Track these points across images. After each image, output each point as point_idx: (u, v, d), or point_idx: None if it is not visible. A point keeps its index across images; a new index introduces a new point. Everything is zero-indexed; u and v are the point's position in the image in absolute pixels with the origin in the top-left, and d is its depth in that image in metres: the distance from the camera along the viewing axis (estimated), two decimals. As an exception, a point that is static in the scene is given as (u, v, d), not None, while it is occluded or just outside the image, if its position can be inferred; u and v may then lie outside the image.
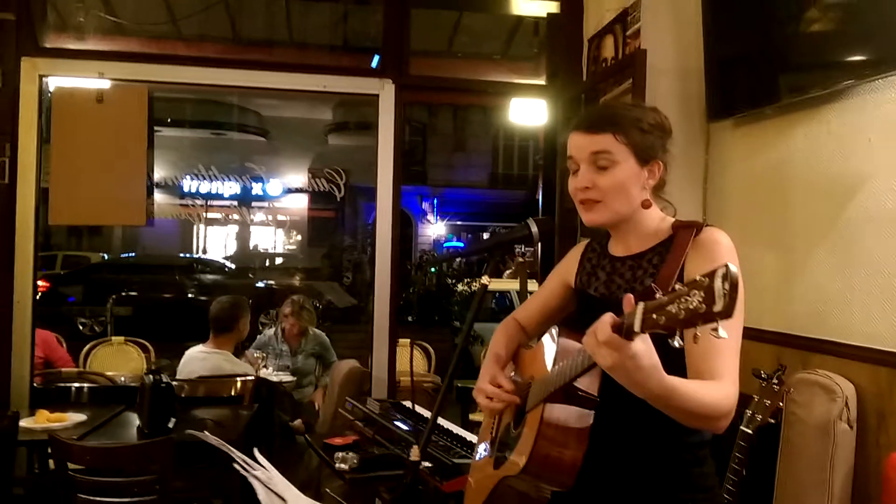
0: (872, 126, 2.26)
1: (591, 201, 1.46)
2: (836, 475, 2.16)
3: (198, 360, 3.77)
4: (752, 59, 2.69)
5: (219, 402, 3.44)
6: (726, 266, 0.94)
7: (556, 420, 1.43)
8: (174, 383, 3.15)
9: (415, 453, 1.43)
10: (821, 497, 2.17)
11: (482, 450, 1.80)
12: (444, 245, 17.16)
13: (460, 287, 8.75)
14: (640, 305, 1.08)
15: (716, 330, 0.96)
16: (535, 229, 1.48)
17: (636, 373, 1.15)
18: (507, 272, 13.18)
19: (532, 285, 9.22)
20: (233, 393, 3.52)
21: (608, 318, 1.14)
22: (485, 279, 1.48)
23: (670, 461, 1.45)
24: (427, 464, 2.26)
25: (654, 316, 1.04)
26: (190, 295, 9.30)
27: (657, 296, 1.06)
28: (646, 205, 1.49)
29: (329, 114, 11.21)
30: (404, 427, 2.62)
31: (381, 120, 3.68)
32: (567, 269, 1.69)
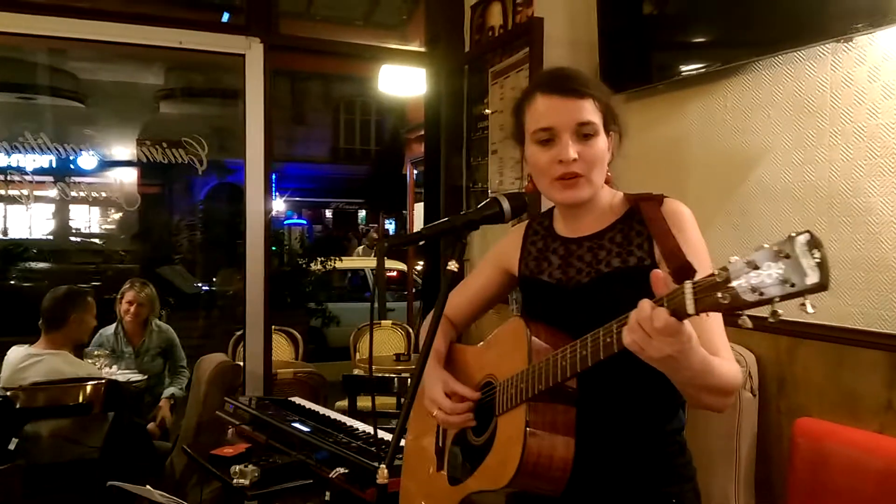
0: (771, 102, 2.32)
1: (576, 176, 1.30)
2: (742, 442, 2.20)
3: (29, 363, 3.19)
4: (645, 33, 2.67)
5: (65, 413, 2.93)
6: (808, 232, 0.83)
7: (543, 422, 1.27)
8: (7, 393, 2.62)
9: (382, 475, 1.20)
10: (729, 464, 2.20)
11: (414, 457, 1.61)
12: (284, 223, 16.45)
13: (314, 266, 8.37)
14: (688, 285, 0.96)
15: (804, 305, 0.85)
16: (506, 206, 1.29)
17: (689, 356, 1.03)
18: (359, 249, 12.92)
19: (394, 263, 9.07)
20: (80, 400, 3.01)
21: (648, 304, 1.00)
22: (452, 265, 1.27)
23: (654, 453, 1.36)
24: (342, 470, 2.02)
25: (719, 295, 0.91)
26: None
27: (709, 274, 0.93)
28: (608, 179, 1.37)
29: (161, 78, 10.17)
30: (303, 428, 2.35)
31: (249, 84, 3.29)
32: (505, 255, 1.53)
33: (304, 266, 8.38)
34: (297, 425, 2.38)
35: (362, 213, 19.44)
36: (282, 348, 4.67)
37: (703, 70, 2.49)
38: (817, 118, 2.17)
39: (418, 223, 5.30)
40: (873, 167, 1.99)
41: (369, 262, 9.23)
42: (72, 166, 4.83)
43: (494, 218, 1.31)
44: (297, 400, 2.80)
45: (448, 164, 3.57)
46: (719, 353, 1.21)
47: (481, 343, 1.54)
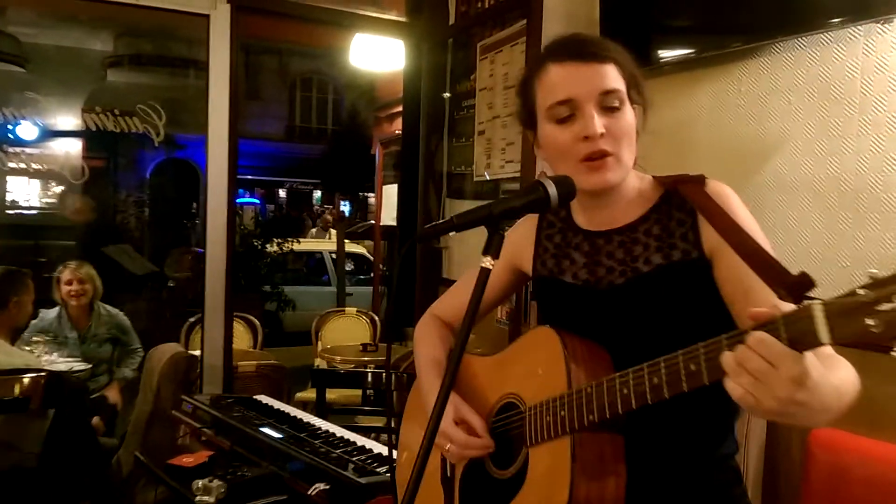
0: (792, 87, 2.15)
1: (605, 155, 1.10)
2: (751, 448, 2.10)
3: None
4: (651, 8, 2.47)
5: (-1, 410, 2.61)
6: None
7: (591, 456, 1.06)
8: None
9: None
10: (737, 471, 2.09)
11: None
12: (237, 201, 15.89)
13: (270, 248, 8.02)
14: (819, 307, 0.74)
15: None
16: (553, 191, 1.06)
17: (821, 395, 0.82)
18: (313, 230, 12.53)
19: (353, 247, 8.78)
20: (17, 394, 2.69)
21: (765, 336, 0.79)
22: (487, 261, 1.04)
23: (709, 482, 1.17)
24: (322, 486, 1.78)
25: (869, 322, 0.70)
26: None
27: (847, 292, 0.72)
28: (636, 161, 1.17)
29: (109, 44, 9.56)
30: (275, 434, 2.10)
31: (214, 48, 2.98)
32: (516, 250, 1.32)
33: (258, 247, 8.03)
34: (267, 430, 2.12)
35: (317, 194, 19.00)
36: (239, 336, 4.37)
37: (716, 52, 2.31)
38: (845, 106, 2.01)
39: (389, 206, 5.04)
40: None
41: (328, 245, 8.90)
42: (10, 135, 4.43)
43: (538, 205, 1.07)
44: (264, 398, 2.53)
45: (428, 145, 3.33)
46: None
47: (495, 355, 1.33)
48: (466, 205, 3.25)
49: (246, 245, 7.92)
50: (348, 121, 14.54)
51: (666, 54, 2.46)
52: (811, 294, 0.84)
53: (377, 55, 4.11)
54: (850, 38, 1.99)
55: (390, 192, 5.01)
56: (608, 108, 1.10)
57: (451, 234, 1.11)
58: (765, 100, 2.23)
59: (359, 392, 4.01)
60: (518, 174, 2.73)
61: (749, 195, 2.24)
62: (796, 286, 0.86)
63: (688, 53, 2.38)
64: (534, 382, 1.17)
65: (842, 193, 1.99)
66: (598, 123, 1.08)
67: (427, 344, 1.42)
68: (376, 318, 4.93)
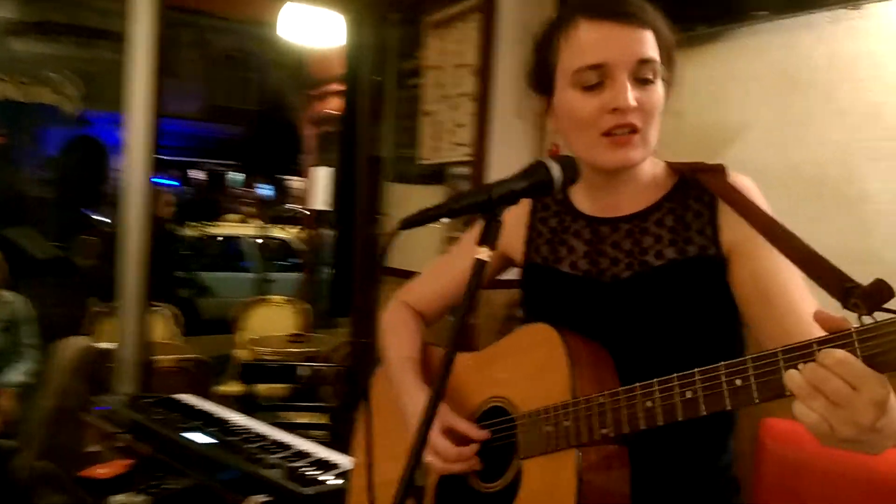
0: (753, 74, 2.10)
1: (633, 130, 0.98)
2: None
3: None
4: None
5: None
6: None
7: (598, 469, 0.95)
8: None
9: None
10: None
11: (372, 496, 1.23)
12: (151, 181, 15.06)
13: (189, 232, 7.59)
14: None
15: None
16: (556, 173, 0.92)
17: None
18: (235, 217, 12.01)
19: (277, 232, 8.42)
20: None
21: (846, 355, 0.67)
22: (483, 252, 0.89)
23: (709, 496, 1.06)
24: (261, 498, 1.59)
25: None
26: None
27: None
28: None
29: (12, 11, 8.74)
30: (203, 439, 1.88)
31: (135, 18, 2.70)
32: (503, 235, 1.17)
33: (174, 232, 7.58)
34: (194, 435, 1.90)
35: (237, 177, 18.32)
36: (162, 328, 4.06)
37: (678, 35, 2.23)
38: (808, 94, 1.96)
39: (319, 190, 4.80)
40: (872, 150, 1.81)
41: (247, 229, 8.53)
42: None
43: (540, 188, 0.93)
44: (188, 398, 2.30)
45: (369, 126, 3.14)
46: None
47: (478, 352, 1.18)
48: (409, 190, 3.08)
49: (160, 229, 7.47)
50: (272, 100, 14.00)
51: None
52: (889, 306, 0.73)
53: (309, 29, 3.86)
54: (814, 25, 1.94)
55: (322, 176, 4.77)
56: (641, 79, 0.98)
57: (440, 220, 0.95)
58: (726, 86, 2.17)
59: (285, 385, 3.79)
60: (469, 158, 2.58)
61: None
62: (870, 295, 0.74)
63: None
64: (528, 386, 1.04)
65: (803, 183, 1.94)
66: (631, 95, 0.96)
67: (399, 335, 1.28)
68: (306, 306, 4.70)
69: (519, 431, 1.02)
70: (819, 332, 0.92)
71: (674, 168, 1.09)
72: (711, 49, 2.20)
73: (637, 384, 0.88)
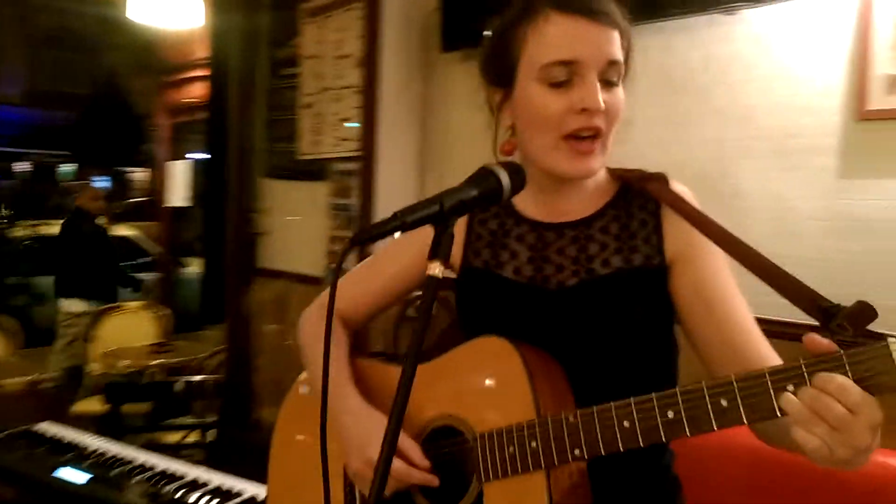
0: (635, 73, 2.17)
1: (597, 135, 0.94)
2: None
3: None
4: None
5: None
6: None
7: (567, 489, 0.90)
8: None
9: None
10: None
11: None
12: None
13: (20, 232, 6.80)
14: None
15: None
16: (506, 181, 0.87)
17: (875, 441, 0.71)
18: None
19: (121, 229, 7.73)
20: None
21: (845, 381, 0.68)
22: (436, 268, 0.81)
23: (654, 494, 1.06)
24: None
25: None
26: None
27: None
28: None
29: None
30: (77, 477, 1.66)
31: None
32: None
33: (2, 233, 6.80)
34: (66, 472, 1.68)
35: (68, 168, 16.76)
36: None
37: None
38: (686, 94, 2.06)
39: (176, 184, 4.46)
40: (744, 149, 1.93)
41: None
42: None
43: (490, 197, 0.87)
44: (50, 427, 2.03)
45: (241, 117, 2.94)
46: (761, 347, 0.94)
47: (421, 365, 1.10)
48: (288, 186, 2.92)
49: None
50: (108, 84, 12.91)
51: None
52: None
53: (161, 9, 3.54)
54: (691, 28, 2.03)
55: (180, 170, 4.44)
56: (608, 81, 0.93)
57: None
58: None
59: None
60: (357, 153, 2.48)
61: None
62: (855, 317, 0.75)
63: None
64: (483, 404, 0.97)
65: (684, 180, 2.02)
66: (598, 98, 0.91)
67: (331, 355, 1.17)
68: (166, 311, 4.35)
69: (479, 453, 0.96)
70: (755, 343, 0.93)
71: (615, 174, 1.06)
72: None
73: (612, 404, 0.85)
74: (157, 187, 5.06)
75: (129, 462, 1.79)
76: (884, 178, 1.71)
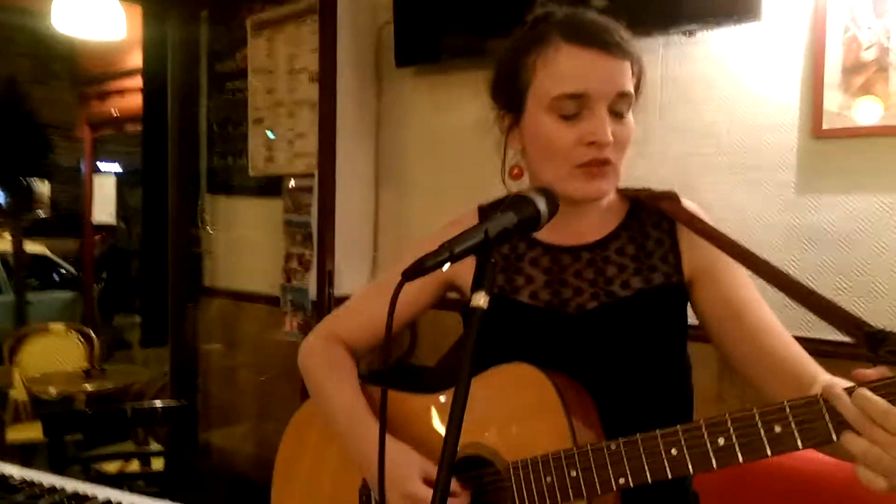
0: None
1: (607, 164, 0.96)
2: None
3: None
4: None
5: None
6: None
7: None
8: None
9: None
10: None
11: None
12: None
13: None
14: None
15: None
16: (542, 206, 0.87)
17: None
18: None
19: (33, 246, 7.26)
20: None
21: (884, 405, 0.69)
22: (480, 299, 0.81)
23: None
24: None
25: None
26: None
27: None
28: None
29: None
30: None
31: None
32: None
33: None
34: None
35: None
36: None
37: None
38: (647, 112, 2.12)
39: (102, 199, 4.23)
40: (705, 165, 2.01)
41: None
42: None
43: (529, 224, 0.87)
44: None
45: (180, 131, 2.82)
46: (795, 348, 0.96)
47: (438, 393, 1.09)
48: (237, 203, 2.83)
49: None
50: (6, 91, 12.11)
51: (460, 46, 2.38)
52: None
53: (85, 20, 3.36)
54: (649, 49, 2.10)
55: (105, 184, 4.22)
56: (616, 112, 0.95)
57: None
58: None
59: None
60: (311, 170, 2.43)
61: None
62: None
63: (483, 55, 2.32)
64: (514, 433, 0.96)
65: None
66: (607, 130, 0.94)
67: (339, 377, 1.12)
68: (93, 335, 4.12)
69: (513, 484, 0.95)
70: (789, 345, 0.95)
71: (624, 194, 1.08)
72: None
73: (657, 431, 0.85)
74: (82, 202, 4.78)
75: (70, 494, 1.68)
76: (838, 193, 1.82)
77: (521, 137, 1.03)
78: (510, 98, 1.02)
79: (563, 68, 0.94)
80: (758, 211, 1.91)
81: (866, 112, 1.78)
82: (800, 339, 0.97)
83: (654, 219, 1.04)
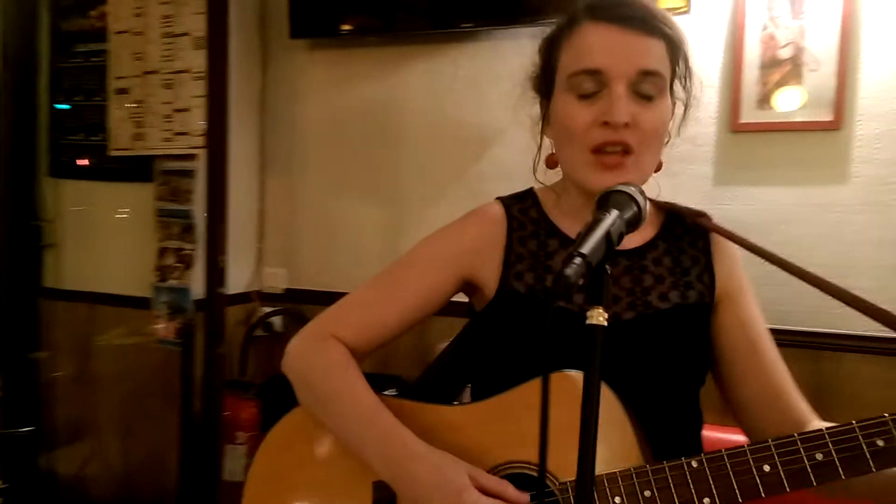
0: (510, 77, 2.14)
1: (625, 150, 0.89)
2: None
3: None
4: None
5: None
6: None
7: None
8: None
9: None
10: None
11: None
12: None
13: None
14: None
15: None
16: (642, 201, 0.75)
17: None
18: None
19: None
20: None
21: None
22: (599, 316, 0.67)
23: None
24: None
25: None
26: None
27: None
28: (658, 167, 0.99)
29: None
30: None
31: None
32: (472, 257, 1.01)
33: None
34: None
35: None
36: None
37: (428, 30, 2.17)
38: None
39: None
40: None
41: None
42: None
43: (635, 222, 0.75)
44: None
45: (13, 103, 2.34)
46: (796, 393, 0.97)
47: (470, 405, 0.97)
48: (87, 188, 2.40)
49: None
50: None
51: (364, 21, 2.21)
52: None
53: None
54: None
55: None
56: (642, 94, 0.89)
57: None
58: (486, 86, 2.18)
59: None
60: (197, 150, 2.11)
61: (468, 183, 2.19)
62: None
63: (395, 27, 2.19)
64: (570, 449, 0.85)
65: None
66: (625, 111, 0.87)
67: (347, 379, 0.96)
68: None
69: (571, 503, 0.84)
70: (793, 390, 0.96)
71: (657, 205, 1.04)
72: (466, 48, 2.18)
73: (744, 446, 0.80)
74: None
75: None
76: (753, 185, 1.88)
77: (549, 125, 0.98)
78: (544, 84, 0.98)
79: (583, 44, 0.90)
80: (678, 202, 1.94)
81: (782, 107, 1.86)
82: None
83: (690, 236, 1.01)
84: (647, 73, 0.88)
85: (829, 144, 1.80)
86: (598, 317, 0.67)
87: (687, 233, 1.01)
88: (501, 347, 0.98)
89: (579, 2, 0.94)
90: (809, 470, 0.76)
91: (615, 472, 0.82)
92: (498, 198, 1.06)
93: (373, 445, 0.91)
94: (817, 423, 0.90)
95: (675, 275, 0.98)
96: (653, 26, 0.89)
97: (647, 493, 0.81)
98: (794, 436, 0.78)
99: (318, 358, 0.98)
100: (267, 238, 2.47)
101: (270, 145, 2.44)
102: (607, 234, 0.68)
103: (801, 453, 0.77)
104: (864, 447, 0.74)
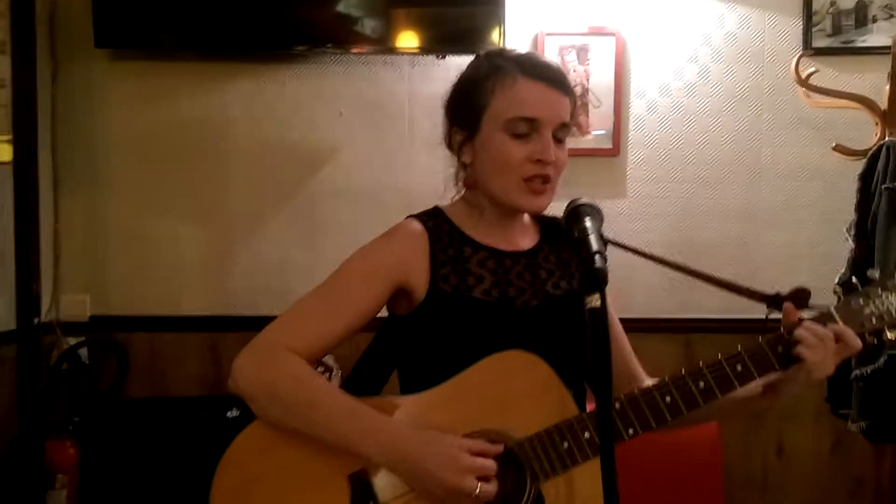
0: (341, 100, 2.28)
1: (548, 181, 1.16)
2: None
3: None
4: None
5: None
6: None
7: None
8: None
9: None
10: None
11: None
12: None
13: None
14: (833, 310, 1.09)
15: None
16: (597, 207, 1.02)
17: None
18: None
19: None
20: None
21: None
22: (597, 300, 0.92)
23: None
24: None
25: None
26: None
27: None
28: None
29: None
30: None
31: None
32: (402, 266, 1.17)
33: None
34: None
35: None
36: None
37: (254, 50, 2.22)
38: (395, 124, 2.28)
39: None
40: (449, 176, 2.29)
41: None
42: None
43: (602, 222, 1.08)
44: None
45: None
46: (635, 358, 1.28)
47: (429, 391, 1.10)
48: None
49: None
50: None
51: (189, 40, 2.19)
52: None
53: None
54: (397, 65, 2.27)
55: None
56: (558, 139, 1.15)
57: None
58: (320, 108, 2.27)
59: None
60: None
61: (302, 202, 2.28)
62: (798, 296, 1.15)
63: (212, 44, 2.22)
64: (521, 412, 1.07)
65: (400, 200, 2.25)
66: (553, 151, 1.13)
67: (314, 382, 1.08)
68: None
69: (530, 455, 1.03)
70: (633, 355, 1.28)
71: (536, 218, 1.28)
72: (293, 70, 2.27)
73: (649, 385, 1.07)
74: None
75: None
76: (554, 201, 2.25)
77: (473, 152, 1.18)
78: (466, 117, 1.18)
79: (521, 96, 1.13)
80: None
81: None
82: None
83: (565, 238, 1.22)
84: (564, 125, 1.15)
85: (610, 168, 2.24)
86: (596, 301, 0.92)
87: (562, 235, 1.21)
88: (435, 339, 1.14)
89: (505, 55, 1.18)
90: (697, 394, 1.05)
91: (559, 423, 1.04)
92: (411, 215, 1.22)
93: (368, 437, 1.02)
94: (649, 382, 1.19)
95: (561, 268, 1.22)
96: (567, 87, 1.16)
97: (587, 435, 1.03)
98: (681, 371, 1.06)
99: (281, 370, 1.06)
100: (63, 262, 2.25)
101: (65, 160, 2.24)
102: (600, 234, 0.91)
103: (690, 384, 1.06)
104: (729, 371, 1.06)
